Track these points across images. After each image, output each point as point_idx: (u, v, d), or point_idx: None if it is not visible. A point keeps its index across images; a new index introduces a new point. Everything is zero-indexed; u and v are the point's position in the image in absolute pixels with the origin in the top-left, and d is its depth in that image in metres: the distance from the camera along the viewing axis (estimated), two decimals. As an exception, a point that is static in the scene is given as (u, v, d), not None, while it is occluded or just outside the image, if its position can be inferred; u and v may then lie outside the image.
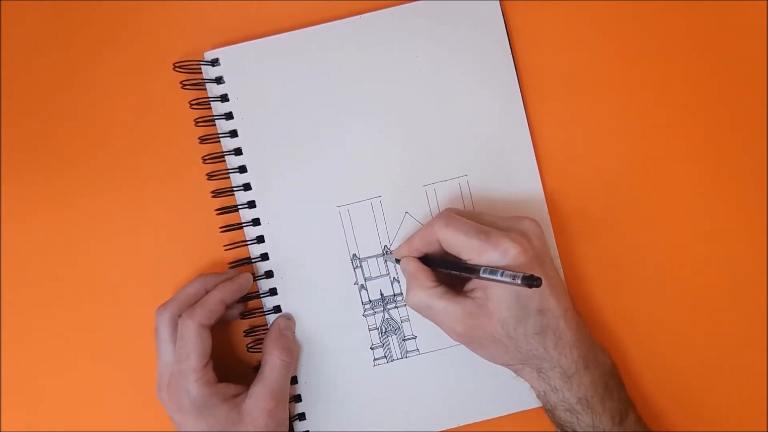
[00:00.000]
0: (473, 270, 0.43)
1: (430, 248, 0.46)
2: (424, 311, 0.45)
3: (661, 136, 0.50)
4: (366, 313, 0.49)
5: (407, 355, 0.49)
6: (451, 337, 0.45)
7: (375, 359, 0.49)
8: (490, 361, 0.45)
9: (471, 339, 0.44)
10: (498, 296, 0.43)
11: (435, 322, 0.45)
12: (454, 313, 0.43)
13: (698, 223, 0.50)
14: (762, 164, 0.50)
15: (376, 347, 0.49)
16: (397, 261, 0.48)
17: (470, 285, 0.44)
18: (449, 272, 0.44)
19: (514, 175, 0.49)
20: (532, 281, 0.39)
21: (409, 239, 0.47)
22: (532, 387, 0.45)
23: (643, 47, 0.50)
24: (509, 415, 0.48)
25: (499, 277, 0.41)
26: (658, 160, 0.50)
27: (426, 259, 0.46)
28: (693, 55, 0.51)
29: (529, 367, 0.44)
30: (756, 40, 0.51)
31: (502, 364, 0.45)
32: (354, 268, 0.49)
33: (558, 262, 0.49)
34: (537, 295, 0.43)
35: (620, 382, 0.46)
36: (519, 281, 0.39)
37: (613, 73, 0.50)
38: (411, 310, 0.48)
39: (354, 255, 0.49)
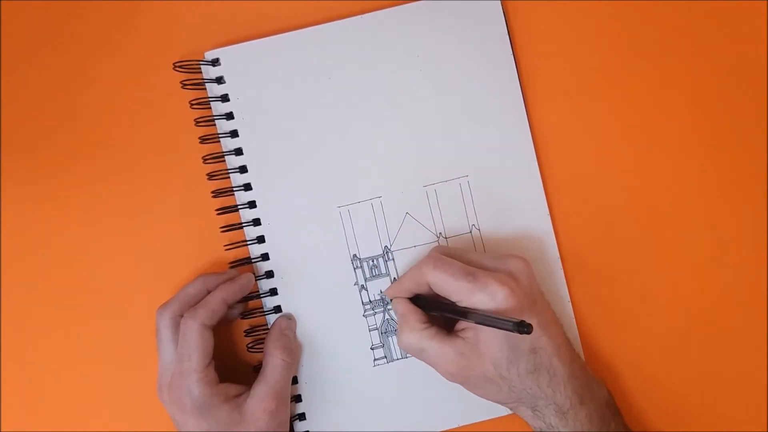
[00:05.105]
0: (464, 314, 0.43)
1: (420, 289, 0.46)
2: (417, 353, 0.45)
3: (661, 136, 0.50)
4: (366, 313, 0.49)
5: (407, 355, 0.49)
6: (445, 378, 0.45)
7: (375, 359, 0.49)
8: (484, 399, 0.45)
9: (465, 379, 0.44)
10: (489, 337, 0.43)
11: (429, 364, 0.45)
12: (447, 355, 0.44)
13: (697, 225, 0.50)
14: (763, 163, 0.50)
15: (377, 347, 0.49)
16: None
17: (461, 324, 0.44)
18: (441, 314, 0.45)
19: (514, 175, 0.49)
20: (523, 328, 0.38)
21: (400, 280, 0.47)
22: (529, 424, 0.45)
23: (643, 47, 0.50)
24: (509, 415, 0.48)
25: (490, 324, 0.41)
26: (659, 159, 0.50)
27: (418, 300, 0.46)
28: (693, 55, 0.51)
29: (524, 405, 0.44)
30: (756, 40, 0.51)
31: (497, 402, 0.45)
32: (354, 269, 0.49)
33: (559, 263, 0.49)
34: (528, 336, 0.43)
35: (617, 412, 0.46)
36: (510, 328, 0.39)
37: (614, 73, 0.50)
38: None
39: (354, 255, 0.49)
